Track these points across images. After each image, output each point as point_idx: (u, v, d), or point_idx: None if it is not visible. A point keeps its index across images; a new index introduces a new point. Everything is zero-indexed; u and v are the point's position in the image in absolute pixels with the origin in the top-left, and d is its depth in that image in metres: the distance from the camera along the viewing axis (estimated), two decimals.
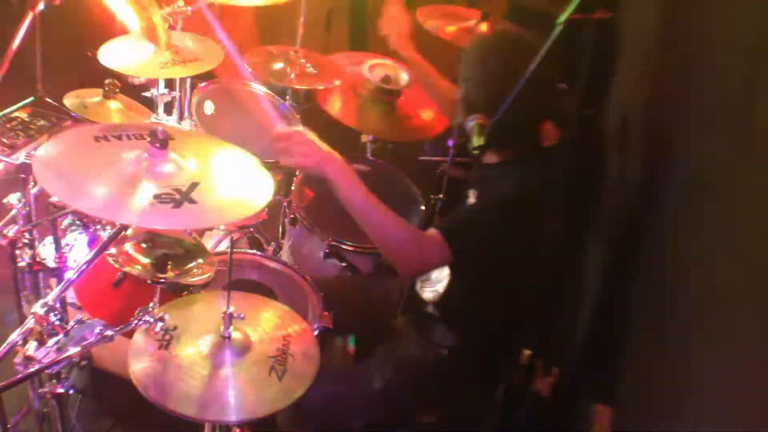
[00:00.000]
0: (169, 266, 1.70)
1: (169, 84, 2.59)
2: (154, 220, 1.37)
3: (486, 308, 1.84)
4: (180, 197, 1.33)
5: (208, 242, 2.43)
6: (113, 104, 2.30)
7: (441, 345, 1.93)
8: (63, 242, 1.93)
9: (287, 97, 2.68)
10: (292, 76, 2.49)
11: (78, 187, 1.32)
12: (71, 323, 1.38)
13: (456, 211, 1.88)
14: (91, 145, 1.44)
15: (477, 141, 1.63)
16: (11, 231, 1.65)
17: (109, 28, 2.31)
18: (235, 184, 1.47)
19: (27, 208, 1.67)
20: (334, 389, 1.87)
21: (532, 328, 1.82)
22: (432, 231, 1.69)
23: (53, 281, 1.83)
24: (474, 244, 1.68)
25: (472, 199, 1.87)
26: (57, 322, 1.35)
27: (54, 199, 1.74)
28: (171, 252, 1.77)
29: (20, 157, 1.71)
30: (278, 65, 2.52)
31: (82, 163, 1.40)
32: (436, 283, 1.96)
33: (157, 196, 1.32)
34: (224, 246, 2.44)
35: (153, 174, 1.38)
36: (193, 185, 1.37)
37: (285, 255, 2.43)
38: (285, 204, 2.47)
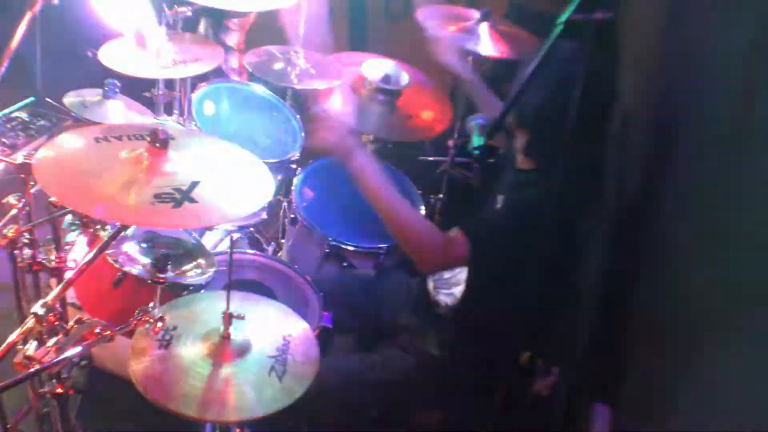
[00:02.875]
0: (169, 266, 1.70)
1: (169, 84, 2.60)
2: (154, 219, 1.37)
3: (501, 313, 1.84)
4: (180, 197, 1.34)
5: (208, 242, 2.43)
6: (113, 104, 2.30)
7: (450, 345, 1.94)
8: (63, 242, 1.93)
9: (287, 97, 2.68)
10: (292, 76, 2.49)
11: (78, 189, 1.32)
12: (71, 323, 1.38)
13: (480, 214, 1.87)
14: (91, 145, 1.45)
15: (477, 141, 1.63)
16: (11, 231, 1.65)
17: (110, 28, 2.31)
18: (235, 183, 1.47)
19: (27, 208, 1.67)
20: (344, 376, 1.89)
21: (536, 328, 1.83)
22: (455, 231, 1.70)
23: (53, 281, 1.83)
24: (495, 246, 1.69)
25: (498, 204, 1.87)
26: (57, 322, 1.35)
27: (54, 198, 1.75)
28: (171, 252, 1.77)
29: (20, 157, 1.71)
30: (278, 65, 2.52)
31: (82, 164, 1.40)
32: (453, 286, 1.97)
33: (157, 196, 1.32)
34: (224, 246, 2.44)
35: (153, 174, 1.38)
36: (194, 184, 1.38)
37: (285, 255, 2.43)
38: (285, 204, 2.47)
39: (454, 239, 1.69)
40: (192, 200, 1.34)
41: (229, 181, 1.47)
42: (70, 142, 1.47)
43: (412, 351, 1.97)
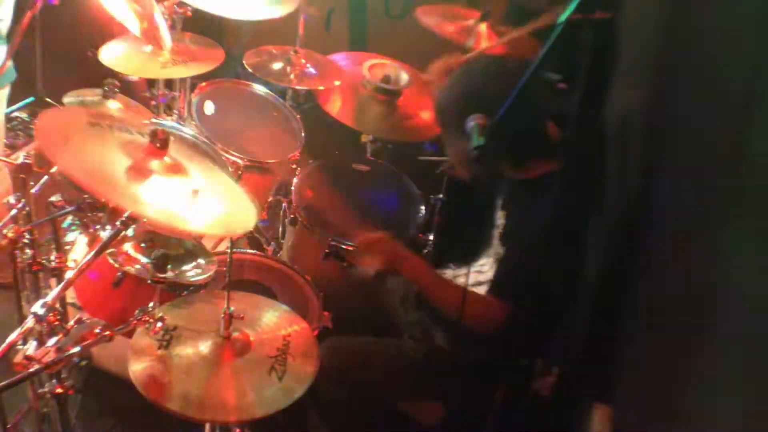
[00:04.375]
0: (169, 266, 1.70)
1: (169, 84, 2.60)
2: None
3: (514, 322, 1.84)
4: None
5: (208, 242, 2.43)
6: (113, 104, 2.30)
7: (454, 340, 1.94)
8: (63, 242, 1.93)
9: (287, 97, 2.68)
10: (292, 76, 2.49)
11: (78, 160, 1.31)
12: (71, 323, 1.38)
13: (498, 267, 1.89)
14: (89, 127, 1.43)
15: (477, 141, 1.63)
16: (11, 231, 1.65)
17: (110, 28, 2.31)
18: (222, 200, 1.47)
19: (27, 208, 1.67)
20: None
21: (539, 328, 1.83)
22: (487, 296, 1.80)
23: (53, 281, 1.83)
24: (524, 290, 1.74)
25: (501, 219, 1.87)
26: (57, 322, 1.35)
27: (54, 198, 1.75)
28: (171, 252, 1.76)
29: (20, 157, 1.71)
30: (278, 65, 2.52)
31: (83, 138, 1.39)
32: None
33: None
34: (224, 246, 2.44)
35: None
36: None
37: (285, 255, 2.43)
38: (285, 204, 2.47)
39: (488, 303, 1.77)
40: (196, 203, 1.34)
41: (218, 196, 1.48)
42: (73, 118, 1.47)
43: (423, 341, 1.98)
